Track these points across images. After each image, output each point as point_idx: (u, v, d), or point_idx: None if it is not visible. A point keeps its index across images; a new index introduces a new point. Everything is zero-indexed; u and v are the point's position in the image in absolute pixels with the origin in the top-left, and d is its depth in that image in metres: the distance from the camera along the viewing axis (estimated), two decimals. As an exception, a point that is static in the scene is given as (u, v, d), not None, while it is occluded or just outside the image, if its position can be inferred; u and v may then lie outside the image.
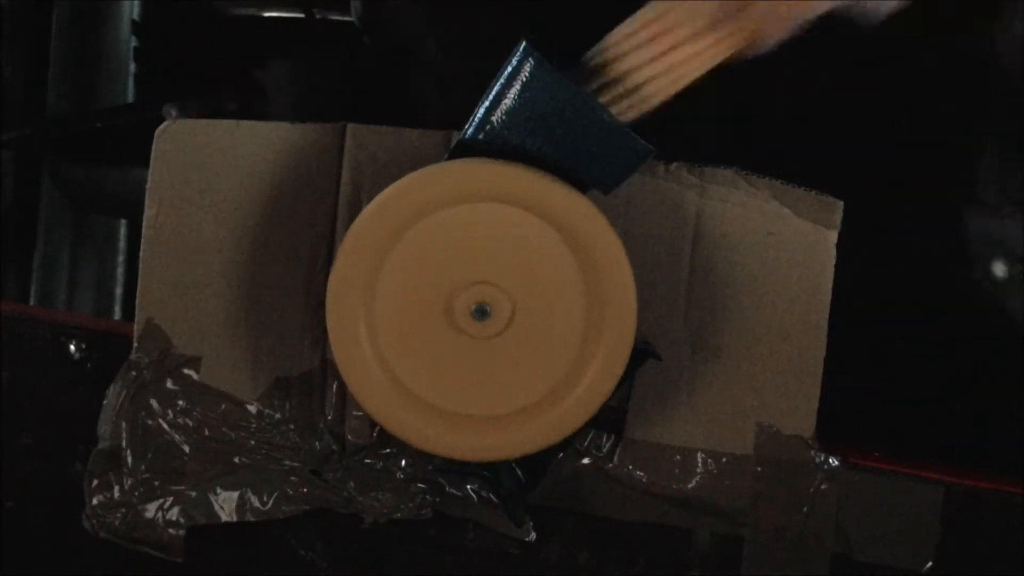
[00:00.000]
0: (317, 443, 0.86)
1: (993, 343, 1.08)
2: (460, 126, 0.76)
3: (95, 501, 0.86)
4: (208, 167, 0.84)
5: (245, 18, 1.35)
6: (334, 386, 0.85)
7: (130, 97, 1.35)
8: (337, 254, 0.75)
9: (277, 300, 0.85)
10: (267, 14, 1.35)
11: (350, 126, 0.84)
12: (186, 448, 0.86)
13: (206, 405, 0.85)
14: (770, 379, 0.84)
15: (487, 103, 0.74)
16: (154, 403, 0.85)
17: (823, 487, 0.84)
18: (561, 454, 0.85)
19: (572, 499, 0.86)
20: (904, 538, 0.84)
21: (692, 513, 0.85)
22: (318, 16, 1.32)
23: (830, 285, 0.83)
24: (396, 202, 0.74)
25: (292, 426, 0.86)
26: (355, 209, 0.83)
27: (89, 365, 0.88)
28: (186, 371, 0.85)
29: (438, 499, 0.85)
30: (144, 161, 0.84)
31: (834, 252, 0.83)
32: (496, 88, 0.73)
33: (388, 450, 0.85)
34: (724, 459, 0.84)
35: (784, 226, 0.83)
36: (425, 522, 0.86)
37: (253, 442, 0.86)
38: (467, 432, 0.76)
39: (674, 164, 0.83)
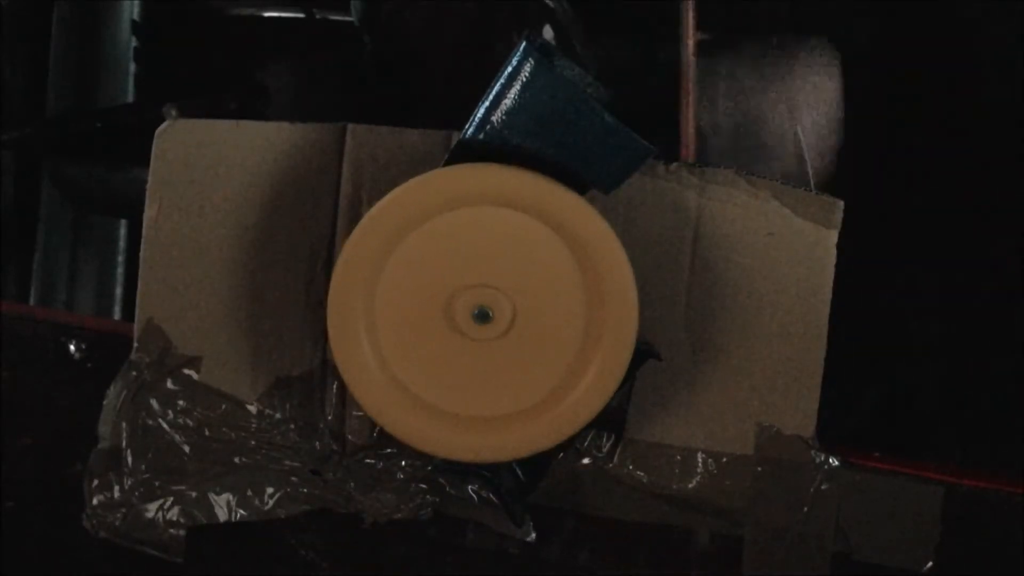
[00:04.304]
0: (317, 443, 0.86)
1: (993, 343, 1.08)
2: (460, 126, 0.76)
3: (95, 501, 0.86)
4: (208, 167, 0.84)
5: (245, 18, 1.35)
6: (334, 386, 0.85)
7: (130, 97, 1.35)
8: (338, 257, 0.75)
9: (277, 300, 0.85)
10: (267, 14, 1.35)
11: (350, 126, 0.84)
12: (186, 448, 0.86)
13: (206, 405, 0.85)
14: (771, 379, 0.84)
15: (487, 103, 0.73)
16: (154, 403, 0.85)
17: (823, 487, 0.84)
18: (562, 454, 0.85)
19: (572, 499, 0.86)
20: (904, 538, 0.84)
21: (692, 513, 0.85)
22: (318, 16, 1.32)
23: (830, 285, 0.83)
24: (397, 206, 0.74)
25: (292, 426, 0.86)
26: (355, 209, 0.83)
27: (89, 365, 0.88)
28: (186, 371, 0.85)
29: (438, 499, 0.85)
30: (144, 161, 0.84)
31: (834, 252, 0.83)
32: (496, 88, 0.73)
33: (388, 450, 0.85)
34: (724, 459, 0.84)
35: (784, 226, 0.83)
36: (425, 522, 0.86)
37: (253, 442, 0.86)
38: (468, 433, 0.76)
39: (674, 164, 0.83)
